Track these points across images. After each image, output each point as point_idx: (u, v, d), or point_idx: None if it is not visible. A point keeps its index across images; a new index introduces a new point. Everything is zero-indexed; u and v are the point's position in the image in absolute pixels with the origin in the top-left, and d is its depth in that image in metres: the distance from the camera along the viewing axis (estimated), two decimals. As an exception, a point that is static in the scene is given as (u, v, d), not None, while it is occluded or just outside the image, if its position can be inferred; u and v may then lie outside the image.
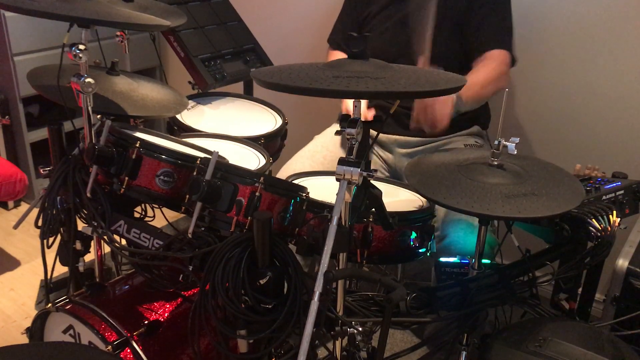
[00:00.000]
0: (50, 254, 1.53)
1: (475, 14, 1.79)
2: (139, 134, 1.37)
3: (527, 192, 1.17)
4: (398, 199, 1.51)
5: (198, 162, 1.24)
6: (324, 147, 1.86)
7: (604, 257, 1.33)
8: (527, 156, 1.35)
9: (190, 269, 1.22)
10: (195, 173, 1.24)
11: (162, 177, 1.26)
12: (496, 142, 1.23)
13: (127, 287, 1.57)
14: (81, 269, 1.55)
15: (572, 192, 1.21)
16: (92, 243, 1.54)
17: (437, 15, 1.74)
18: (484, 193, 1.16)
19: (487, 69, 1.75)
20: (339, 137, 1.88)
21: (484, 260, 1.34)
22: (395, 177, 1.81)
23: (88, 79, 1.30)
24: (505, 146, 1.23)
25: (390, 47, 1.84)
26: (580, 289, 1.48)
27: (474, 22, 1.79)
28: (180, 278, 1.31)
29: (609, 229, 1.32)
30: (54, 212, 1.46)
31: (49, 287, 1.63)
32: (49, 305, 1.41)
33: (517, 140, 1.22)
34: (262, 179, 1.21)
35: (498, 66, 1.77)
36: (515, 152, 1.22)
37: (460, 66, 1.84)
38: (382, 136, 1.90)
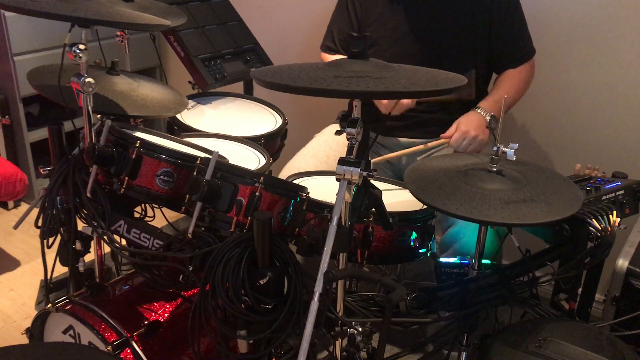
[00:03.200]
0: (50, 254, 1.53)
1: (497, 28, 1.80)
2: (139, 134, 1.37)
3: (526, 198, 1.17)
4: (399, 199, 1.51)
5: (198, 162, 1.24)
6: (327, 145, 1.85)
7: (604, 257, 1.33)
8: (525, 162, 1.35)
9: (190, 269, 1.22)
10: (195, 173, 1.24)
11: (162, 177, 1.26)
12: (495, 149, 1.23)
13: (127, 287, 1.57)
14: (81, 269, 1.55)
15: (570, 198, 1.21)
16: (92, 243, 1.54)
17: (458, 29, 1.78)
18: (483, 199, 1.16)
19: (517, 82, 1.84)
20: (341, 137, 1.87)
21: (484, 261, 1.34)
22: (400, 179, 1.80)
23: (88, 79, 1.30)
24: (504, 152, 1.23)
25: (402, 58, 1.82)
26: (580, 289, 1.48)
27: (498, 37, 1.81)
28: (180, 278, 1.31)
29: (609, 229, 1.32)
30: (54, 212, 1.46)
31: (49, 287, 1.63)
32: (49, 305, 1.41)
33: (515, 146, 1.22)
34: (262, 179, 1.21)
35: (527, 76, 1.87)
36: (514, 159, 1.22)
37: (486, 73, 1.88)
38: (385, 139, 1.90)
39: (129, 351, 1.31)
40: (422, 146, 1.74)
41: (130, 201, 1.48)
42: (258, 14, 2.64)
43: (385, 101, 1.69)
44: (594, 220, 1.32)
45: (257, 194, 1.20)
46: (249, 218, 1.20)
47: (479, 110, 1.72)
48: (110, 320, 1.34)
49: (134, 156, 1.27)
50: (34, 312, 1.62)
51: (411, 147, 1.84)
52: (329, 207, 1.25)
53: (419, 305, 1.32)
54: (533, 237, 1.43)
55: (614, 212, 1.35)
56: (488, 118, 1.70)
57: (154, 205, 1.56)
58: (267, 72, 1.08)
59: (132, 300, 1.47)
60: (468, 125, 1.66)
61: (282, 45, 2.63)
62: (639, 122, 1.95)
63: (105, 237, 1.37)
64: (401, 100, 1.69)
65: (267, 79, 1.02)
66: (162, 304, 1.44)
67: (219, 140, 1.62)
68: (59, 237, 1.52)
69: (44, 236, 1.49)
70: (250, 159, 1.51)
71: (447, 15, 1.79)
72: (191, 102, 1.91)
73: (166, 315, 1.42)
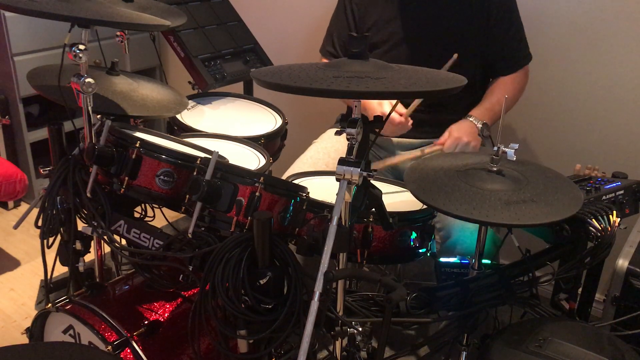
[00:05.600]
0: (50, 254, 1.53)
1: (494, 33, 1.80)
2: (139, 134, 1.37)
3: (526, 199, 1.17)
4: (398, 199, 1.51)
5: (198, 162, 1.24)
6: (326, 153, 1.85)
7: (604, 257, 1.33)
8: (526, 161, 1.35)
9: (190, 269, 1.22)
10: (195, 173, 1.24)
11: (162, 177, 1.26)
12: (495, 148, 1.23)
13: (127, 287, 1.57)
14: (81, 269, 1.55)
15: (570, 198, 1.21)
16: (92, 243, 1.54)
17: (456, 33, 1.79)
18: (483, 199, 1.16)
19: (511, 89, 1.84)
20: (339, 143, 1.87)
21: (485, 261, 1.34)
22: (398, 179, 1.81)
23: (88, 79, 1.30)
24: (504, 152, 1.23)
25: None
26: (580, 289, 1.48)
27: (494, 42, 1.81)
28: (180, 278, 1.31)
29: (609, 229, 1.32)
30: (54, 212, 1.46)
31: (49, 287, 1.63)
32: (49, 305, 1.41)
33: (516, 146, 1.22)
34: (262, 179, 1.21)
35: (520, 84, 1.87)
36: (515, 159, 1.22)
37: (483, 78, 1.88)
38: (385, 139, 1.90)
39: (129, 351, 1.31)
40: (418, 152, 1.74)
41: (130, 201, 1.48)
42: (258, 14, 2.64)
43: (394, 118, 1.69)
44: (594, 220, 1.32)
45: (257, 194, 1.20)
46: (249, 218, 1.20)
47: (470, 119, 1.73)
48: (110, 320, 1.34)
49: (134, 156, 1.27)
50: (34, 312, 1.62)
51: (406, 147, 1.84)
52: (329, 207, 1.25)
53: (419, 305, 1.32)
54: (533, 237, 1.43)
55: (614, 212, 1.35)
56: (480, 126, 1.71)
57: (154, 205, 1.56)
58: (267, 72, 1.08)
59: (132, 300, 1.47)
60: (460, 132, 1.67)
61: (282, 45, 2.63)
62: (638, 122, 1.95)
63: (105, 237, 1.37)
64: (394, 119, 1.69)
65: (267, 79, 1.02)
66: (162, 304, 1.44)
67: (219, 140, 1.62)
68: (59, 237, 1.52)
69: (44, 236, 1.49)
70: (250, 159, 1.51)
71: (444, 19, 1.79)
72: (191, 102, 1.91)
73: (166, 315, 1.42)
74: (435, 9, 1.80)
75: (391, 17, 1.84)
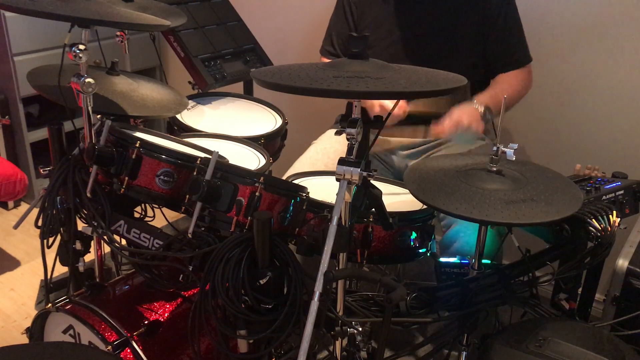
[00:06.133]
0: (50, 254, 1.53)
1: (491, 32, 1.79)
2: (139, 134, 1.37)
3: (526, 198, 1.17)
4: (399, 199, 1.51)
5: (198, 162, 1.24)
6: (325, 154, 1.85)
7: (604, 257, 1.33)
8: (525, 161, 1.35)
9: (190, 269, 1.22)
10: (195, 173, 1.24)
11: (162, 177, 1.26)
12: (494, 149, 1.23)
13: (127, 287, 1.57)
14: (81, 269, 1.55)
15: (570, 197, 1.21)
16: (92, 243, 1.54)
17: (450, 32, 1.78)
18: (483, 199, 1.16)
19: (512, 82, 1.81)
20: (338, 144, 1.87)
21: (485, 261, 1.34)
22: (398, 179, 1.81)
23: (88, 79, 1.30)
24: (504, 152, 1.22)
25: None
26: (580, 289, 1.48)
27: (493, 42, 1.80)
28: (180, 278, 1.31)
29: (609, 229, 1.32)
30: (54, 212, 1.46)
31: (49, 287, 1.63)
32: (49, 305, 1.41)
33: (515, 146, 1.22)
34: (262, 179, 1.21)
35: (523, 81, 1.84)
36: (514, 159, 1.22)
37: (482, 77, 1.87)
38: (385, 139, 1.90)
39: (129, 351, 1.31)
40: (421, 133, 1.70)
41: (130, 201, 1.48)
42: (258, 14, 2.64)
43: (377, 108, 1.68)
44: (594, 220, 1.32)
45: (257, 194, 1.20)
46: (249, 218, 1.20)
47: (472, 102, 1.68)
48: (110, 320, 1.34)
49: (134, 156, 1.27)
50: (34, 312, 1.62)
51: (406, 147, 1.84)
52: (329, 207, 1.25)
53: (419, 305, 1.32)
54: (533, 237, 1.43)
55: (614, 212, 1.35)
56: (482, 109, 1.66)
57: (154, 205, 1.56)
58: (267, 72, 1.08)
59: (132, 300, 1.47)
60: (461, 115, 1.62)
61: (282, 45, 2.63)
62: (638, 122, 1.95)
63: (105, 237, 1.37)
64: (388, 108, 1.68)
65: (267, 79, 1.02)
66: (162, 304, 1.44)
67: (218, 140, 1.62)
68: (59, 237, 1.52)
69: (44, 236, 1.49)
70: (250, 159, 1.51)
71: (439, 19, 1.79)
72: (191, 102, 1.91)
73: (166, 315, 1.42)
74: (430, 8, 1.80)
75: (388, 16, 1.84)
